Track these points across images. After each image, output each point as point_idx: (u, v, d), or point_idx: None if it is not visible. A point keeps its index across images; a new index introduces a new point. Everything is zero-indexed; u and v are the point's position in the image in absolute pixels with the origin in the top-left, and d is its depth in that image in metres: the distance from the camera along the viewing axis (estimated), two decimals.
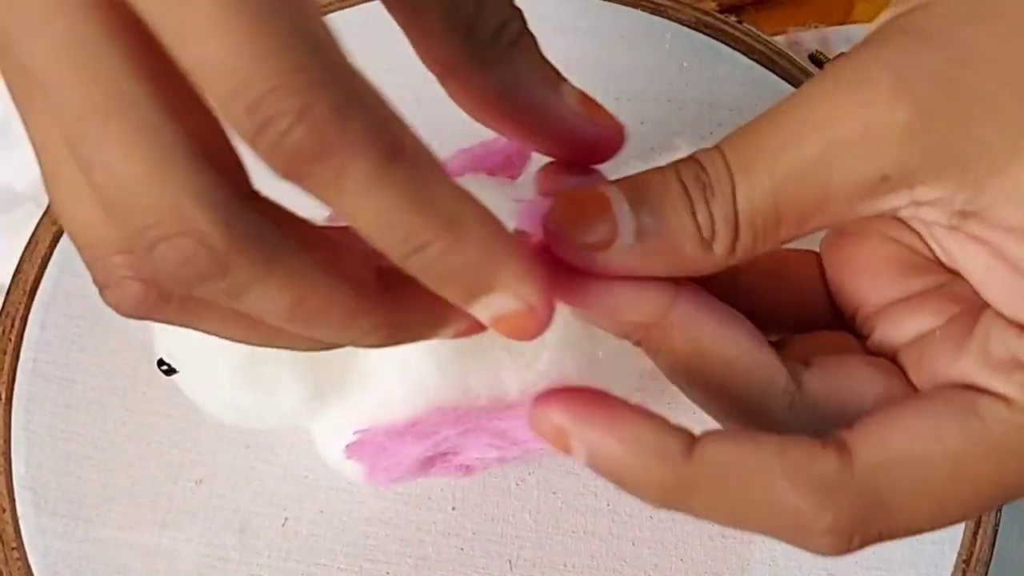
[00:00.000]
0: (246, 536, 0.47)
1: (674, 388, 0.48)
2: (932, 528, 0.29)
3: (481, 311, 0.27)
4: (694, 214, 0.29)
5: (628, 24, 0.57)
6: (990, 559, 0.46)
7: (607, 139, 0.32)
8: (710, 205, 0.29)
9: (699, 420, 0.47)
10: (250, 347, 0.37)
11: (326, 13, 0.57)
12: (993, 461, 0.28)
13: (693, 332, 0.30)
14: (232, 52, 0.22)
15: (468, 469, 0.44)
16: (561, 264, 0.30)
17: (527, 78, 0.32)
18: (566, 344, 0.40)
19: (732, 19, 0.56)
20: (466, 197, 0.25)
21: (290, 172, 0.23)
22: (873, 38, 0.29)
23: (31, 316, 0.51)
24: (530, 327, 0.27)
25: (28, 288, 0.51)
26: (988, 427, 0.28)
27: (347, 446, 0.40)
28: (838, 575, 0.46)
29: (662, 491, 0.28)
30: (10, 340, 0.50)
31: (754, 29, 0.56)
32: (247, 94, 0.22)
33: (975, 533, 0.47)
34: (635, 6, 0.57)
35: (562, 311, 0.40)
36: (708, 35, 0.56)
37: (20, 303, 0.51)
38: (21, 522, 0.47)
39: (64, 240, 0.52)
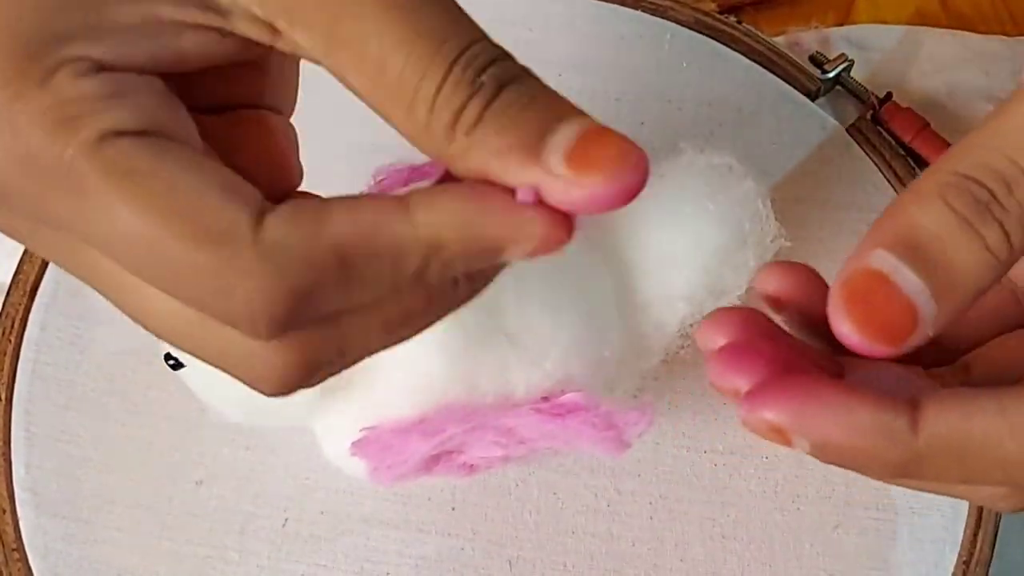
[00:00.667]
0: (246, 537, 0.47)
1: (674, 389, 0.48)
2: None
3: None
4: (986, 244, 0.26)
5: (628, 25, 0.57)
6: (990, 560, 0.46)
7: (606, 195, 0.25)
8: (1003, 223, 0.26)
9: (701, 421, 0.47)
10: None
11: None
12: None
13: None
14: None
15: (471, 468, 0.44)
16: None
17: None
18: (574, 344, 0.40)
19: (732, 20, 0.56)
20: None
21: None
22: None
23: (31, 317, 0.51)
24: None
25: (28, 289, 0.51)
26: None
27: (353, 443, 0.40)
28: (837, 574, 0.46)
29: (893, 468, 0.27)
30: (10, 341, 0.50)
31: (754, 30, 0.56)
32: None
33: (975, 534, 0.47)
34: (635, 7, 0.57)
35: (571, 314, 0.40)
36: (708, 36, 0.56)
37: (20, 304, 0.51)
38: (21, 523, 0.47)
39: None
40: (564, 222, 0.25)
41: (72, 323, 0.51)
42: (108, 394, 0.49)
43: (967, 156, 0.26)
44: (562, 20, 0.57)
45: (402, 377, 0.39)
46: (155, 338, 0.34)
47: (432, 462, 0.42)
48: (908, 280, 0.26)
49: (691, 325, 0.43)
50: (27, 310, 0.51)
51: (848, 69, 0.56)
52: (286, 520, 0.47)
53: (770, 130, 0.54)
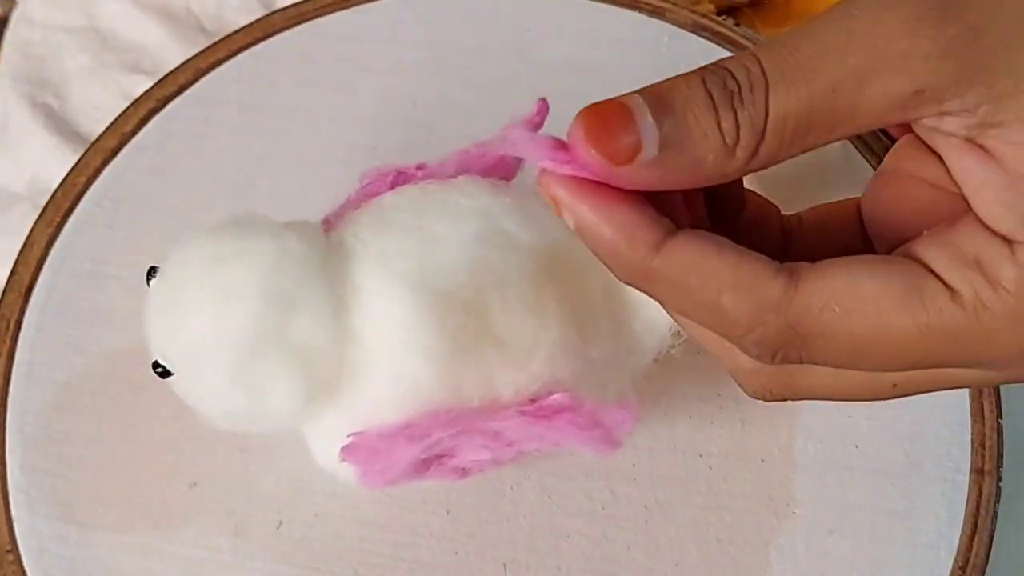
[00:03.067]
0: (240, 539, 0.47)
1: (669, 392, 0.48)
2: (844, 372, 0.33)
3: None
4: (719, 123, 0.29)
5: (625, 27, 0.57)
6: (986, 564, 0.46)
7: None
8: (737, 112, 0.29)
9: (695, 425, 0.47)
10: (244, 349, 0.37)
11: (325, 15, 0.57)
12: (916, 335, 0.30)
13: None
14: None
15: (463, 472, 0.44)
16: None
17: None
18: (560, 346, 0.40)
19: (729, 21, 0.56)
20: None
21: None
22: None
23: (26, 318, 0.51)
24: None
25: (23, 290, 0.51)
26: (925, 307, 0.30)
27: (341, 449, 0.40)
28: None
29: (628, 273, 0.31)
30: (5, 343, 0.50)
31: (750, 31, 0.56)
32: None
33: (971, 538, 0.46)
34: (632, 8, 0.57)
35: (557, 315, 0.40)
36: (705, 37, 0.56)
37: (15, 305, 0.51)
38: (15, 525, 0.47)
39: (60, 242, 0.52)
40: None
41: (67, 325, 0.51)
42: (102, 396, 0.49)
43: (736, 55, 0.30)
44: (559, 22, 0.57)
45: (388, 382, 0.39)
46: (148, 345, 0.35)
47: (423, 466, 0.42)
48: (645, 119, 0.29)
49: None
50: (22, 312, 0.51)
51: None
52: (280, 523, 0.47)
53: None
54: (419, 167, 0.44)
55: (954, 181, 0.32)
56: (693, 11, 0.56)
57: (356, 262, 0.39)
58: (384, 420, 0.39)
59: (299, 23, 0.57)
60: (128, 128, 0.54)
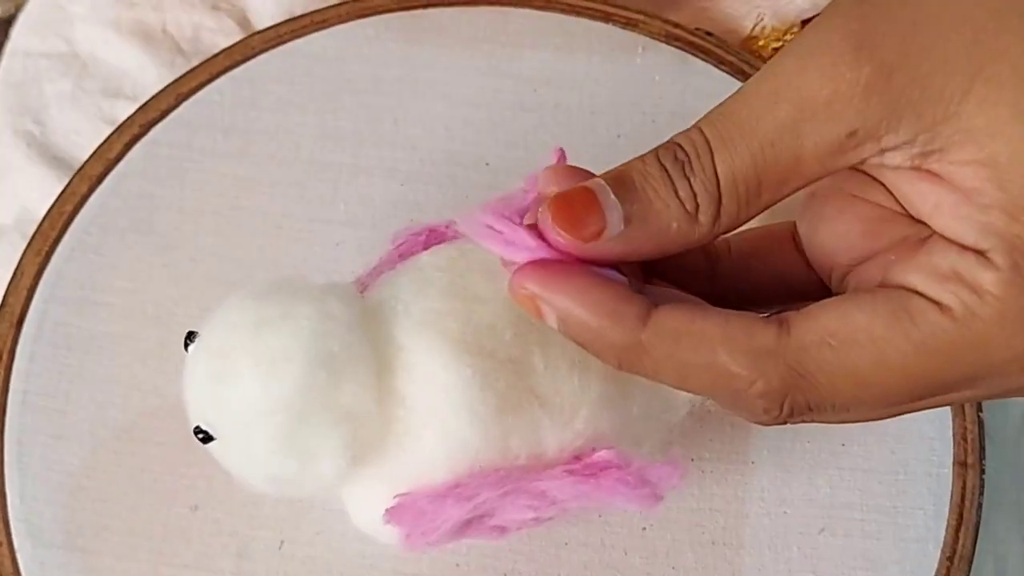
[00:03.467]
0: (244, 560, 0.47)
1: (704, 446, 0.49)
2: (855, 411, 0.33)
3: None
4: (676, 192, 0.31)
5: (600, 39, 0.57)
6: (972, 555, 0.47)
7: None
8: (691, 180, 0.31)
9: (688, 430, 0.48)
10: (293, 414, 0.37)
11: (303, 35, 0.57)
12: (914, 356, 0.31)
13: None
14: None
15: (502, 530, 0.43)
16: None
17: None
18: (602, 402, 0.40)
19: (702, 31, 0.57)
20: None
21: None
22: (829, 11, 0.32)
23: (19, 348, 0.51)
24: None
25: (15, 320, 0.51)
26: (916, 325, 0.31)
27: (387, 511, 0.40)
28: (826, 575, 0.47)
29: (617, 351, 0.32)
30: None
31: (723, 40, 0.57)
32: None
33: (957, 530, 0.48)
34: (606, 21, 0.58)
35: (599, 372, 0.40)
36: (679, 48, 0.57)
37: (7, 336, 0.51)
38: (18, 554, 0.47)
39: (49, 270, 0.52)
40: None
41: (60, 353, 0.51)
42: (99, 423, 0.50)
43: (683, 130, 0.33)
44: (534, 35, 0.58)
45: (435, 443, 0.39)
46: (187, 409, 0.39)
47: (464, 526, 0.41)
48: (608, 199, 0.32)
49: None
50: (14, 341, 0.51)
51: None
52: (282, 542, 0.48)
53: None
54: (448, 225, 0.44)
55: (903, 207, 0.34)
56: (666, 22, 0.57)
57: (397, 323, 0.39)
58: (430, 481, 0.39)
59: (278, 45, 0.57)
60: (112, 154, 0.55)
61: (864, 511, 0.48)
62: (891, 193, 0.34)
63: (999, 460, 0.51)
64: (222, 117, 0.56)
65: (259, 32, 0.57)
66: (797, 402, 0.32)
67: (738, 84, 0.56)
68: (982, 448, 0.49)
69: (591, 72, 0.57)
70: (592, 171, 0.35)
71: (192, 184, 0.54)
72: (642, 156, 0.32)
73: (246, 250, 0.53)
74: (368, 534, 0.43)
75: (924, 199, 0.32)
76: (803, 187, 0.32)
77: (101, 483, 0.49)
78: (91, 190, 0.54)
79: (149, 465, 0.49)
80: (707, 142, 0.31)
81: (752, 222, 0.34)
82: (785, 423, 0.33)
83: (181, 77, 0.56)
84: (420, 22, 0.58)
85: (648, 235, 0.32)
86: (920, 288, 0.31)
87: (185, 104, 0.56)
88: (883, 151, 0.31)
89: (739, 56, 0.56)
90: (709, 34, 0.57)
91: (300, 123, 0.56)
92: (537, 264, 0.33)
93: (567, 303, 0.32)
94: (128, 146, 0.55)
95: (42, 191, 0.56)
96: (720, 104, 0.32)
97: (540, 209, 0.32)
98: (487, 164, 0.55)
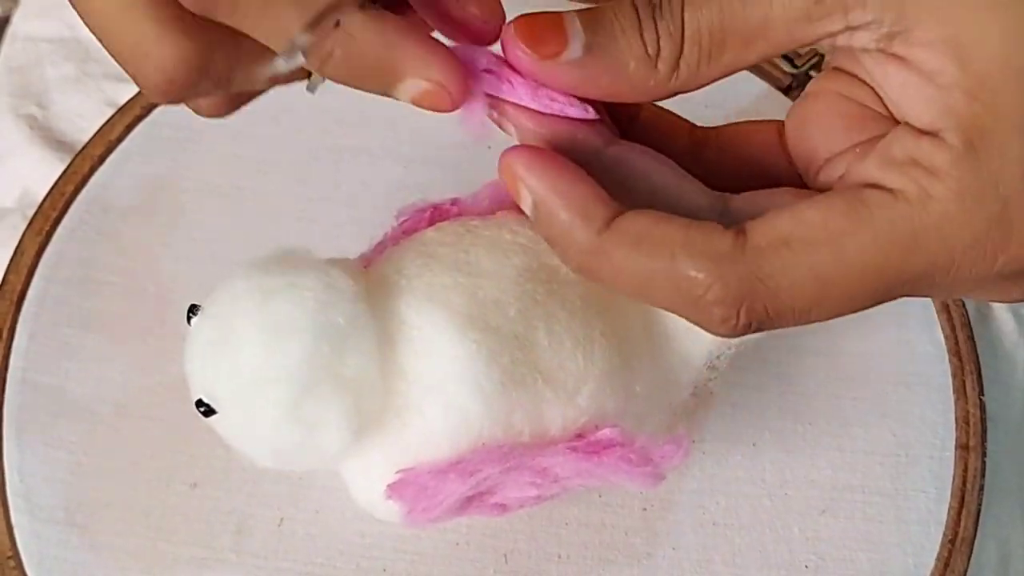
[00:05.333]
0: (242, 538, 0.47)
1: (705, 427, 0.49)
2: (816, 311, 0.32)
3: (402, 95, 0.33)
4: (641, 33, 0.32)
5: None
6: (974, 537, 0.47)
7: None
8: (657, 24, 0.32)
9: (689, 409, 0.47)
10: (299, 384, 0.37)
11: None
12: (873, 247, 0.31)
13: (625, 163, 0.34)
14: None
15: (504, 508, 0.43)
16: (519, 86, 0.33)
17: None
18: (606, 379, 0.40)
19: None
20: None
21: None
22: None
23: (19, 326, 0.51)
24: (443, 102, 0.33)
25: (15, 298, 0.51)
26: (873, 215, 0.31)
27: (389, 486, 0.39)
28: (827, 557, 0.47)
29: (580, 251, 0.32)
30: None
31: None
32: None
33: (959, 513, 0.48)
34: None
35: (603, 349, 0.40)
36: None
37: (7, 313, 0.51)
38: (16, 531, 0.47)
39: (50, 249, 0.52)
40: None
41: (60, 331, 0.51)
42: (98, 400, 0.50)
43: None
44: None
45: (438, 417, 0.39)
46: (189, 381, 0.38)
47: (466, 503, 0.41)
48: (573, 25, 0.32)
49: (718, 358, 0.43)
50: (14, 319, 0.51)
51: (819, 64, 0.57)
52: (281, 520, 0.47)
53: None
54: (453, 202, 0.44)
55: (879, 98, 0.33)
56: None
57: (402, 298, 0.39)
58: (432, 456, 0.39)
59: None
60: (114, 135, 0.55)
61: (866, 493, 0.48)
62: (877, 94, 0.34)
63: (1001, 444, 0.51)
64: None
65: None
66: (755, 309, 0.31)
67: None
68: (984, 431, 0.49)
69: None
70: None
71: (193, 165, 0.54)
72: None
73: (246, 230, 0.53)
74: (368, 511, 0.43)
75: (891, 84, 0.32)
76: (769, 56, 0.32)
77: (100, 460, 0.48)
78: (92, 170, 0.54)
79: (148, 442, 0.49)
80: None
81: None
82: (743, 334, 0.32)
83: None
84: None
85: (605, 67, 0.32)
86: (876, 179, 0.31)
87: None
88: (851, 28, 0.31)
89: None
90: None
91: (302, 105, 0.56)
92: (531, 149, 0.33)
93: (544, 190, 0.32)
94: (129, 127, 0.55)
95: (44, 174, 0.56)
96: None
97: (506, 26, 0.33)
98: (489, 147, 0.54)
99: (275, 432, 0.38)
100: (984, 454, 0.48)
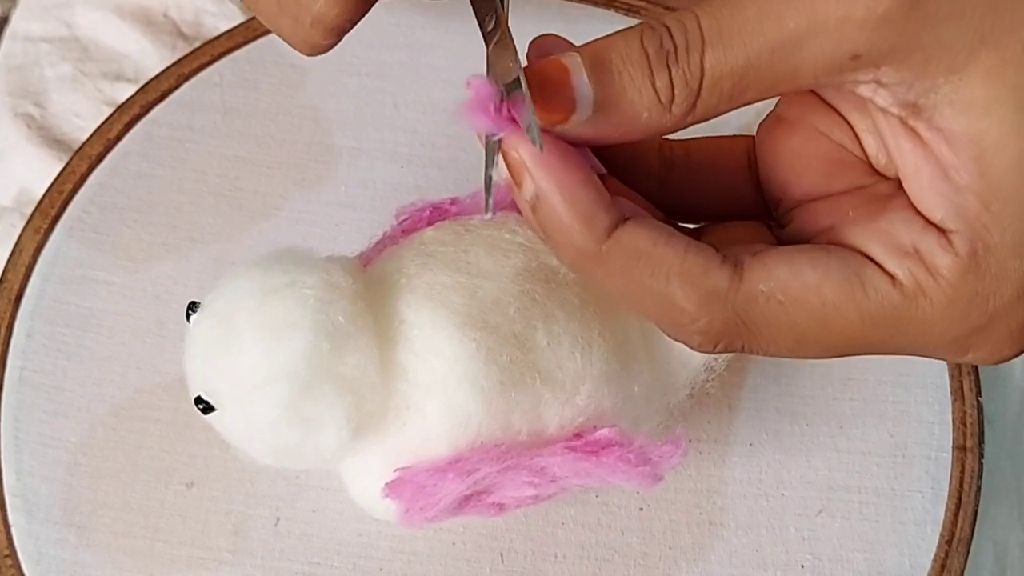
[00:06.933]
0: (239, 538, 0.47)
1: (703, 428, 0.49)
2: (788, 355, 0.33)
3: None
4: (653, 82, 0.30)
5: (601, 24, 0.57)
6: (971, 539, 0.47)
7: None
8: (671, 72, 0.30)
9: (686, 411, 0.47)
10: (298, 381, 0.37)
11: None
12: (858, 324, 0.31)
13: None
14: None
15: (501, 508, 0.43)
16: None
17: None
18: (604, 379, 0.40)
19: None
20: None
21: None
22: None
23: (16, 325, 0.51)
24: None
25: (13, 297, 0.51)
26: (867, 295, 0.31)
27: (387, 485, 0.39)
28: (823, 557, 0.47)
29: (576, 253, 0.32)
30: None
31: None
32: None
33: (956, 514, 0.48)
34: (608, 7, 0.58)
35: (601, 349, 0.40)
36: None
37: (5, 312, 0.51)
38: (13, 530, 0.47)
39: (48, 248, 0.52)
40: None
41: (58, 330, 0.51)
42: (96, 400, 0.50)
43: (676, 12, 0.31)
44: (536, 20, 0.58)
45: (437, 416, 0.39)
46: (187, 378, 0.38)
47: (463, 503, 0.41)
48: (580, 79, 0.30)
49: (715, 360, 0.44)
50: (12, 318, 0.51)
51: None
52: (278, 520, 0.47)
53: (741, 124, 0.55)
54: (452, 202, 0.44)
55: (858, 142, 0.34)
56: (668, 9, 0.57)
57: (401, 296, 0.39)
58: (430, 455, 0.39)
59: None
60: (113, 134, 0.55)
61: (862, 493, 0.48)
62: (857, 137, 0.34)
63: (998, 445, 0.51)
64: (222, 98, 0.56)
65: None
66: (733, 344, 0.32)
67: None
68: (981, 432, 0.49)
69: None
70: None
71: (191, 164, 0.54)
72: (626, 34, 0.31)
73: (245, 230, 0.53)
74: (365, 510, 0.43)
75: (904, 159, 0.32)
76: (793, 92, 0.32)
77: (97, 460, 0.48)
78: (91, 169, 0.54)
79: (146, 442, 0.49)
80: (701, 34, 0.30)
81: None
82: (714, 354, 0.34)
83: (182, 58, 0.57)
84: (422, 7, 0.58)
85: (617, 124, 0.31)
86: (877, 257, 0.31)
87: (186, 85, 0.56)
88: (878, 84, 0.30)
89: None
90: None
91: (300, 105, 0.56)
92: (542, 135, 0.31)
93: (551, 187, 0.31)
94: (128, 126, 0.55)
95: (42, 173, 0.56)
96: None
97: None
98: None
99: (274, 430, 0.38)
100: (981, 455, 0.48)
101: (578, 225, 0.31)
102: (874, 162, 0.34)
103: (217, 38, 0.57)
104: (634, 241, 0.31)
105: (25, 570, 0.47)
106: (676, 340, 0.33)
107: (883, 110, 0.31)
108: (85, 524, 0.47)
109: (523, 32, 0.56)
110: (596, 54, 0.31)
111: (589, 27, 0.57)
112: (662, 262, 0.31)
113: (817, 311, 0.31)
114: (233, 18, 0.60)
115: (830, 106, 0.34)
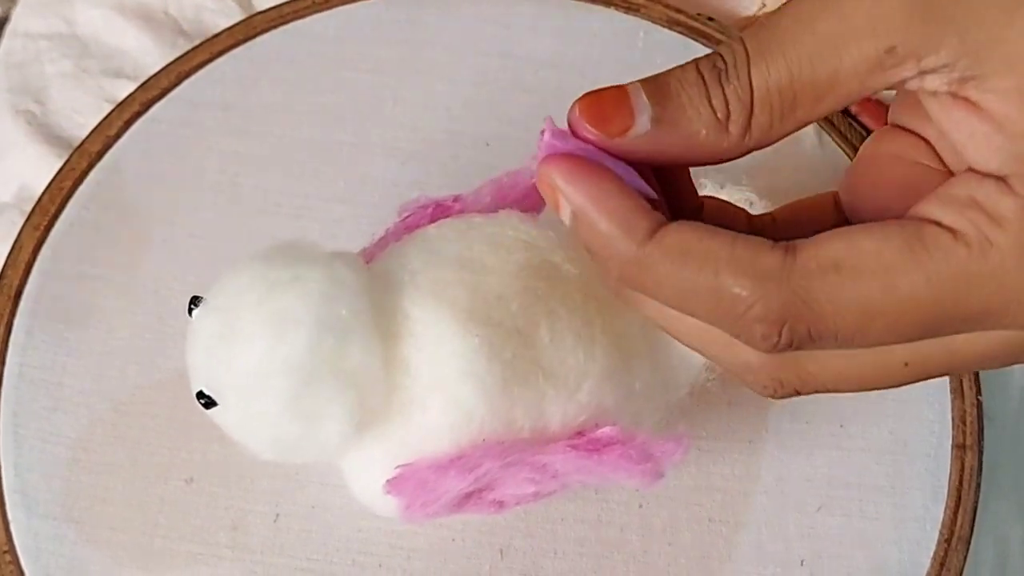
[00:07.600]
0: (238, 533, 0.47)
1: (701, 425, 0.49)
2: (859, 339, 0.31)
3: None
4: (709, 99, 0.31)
5: (601, 23, 0.58)
6: (970, 536, 0.47)
7: None
8: (724, 88, 0.31)
9: (686, 409, 0.47)
10: (301, 376, 0.37)
11: (305, 16, 0.57)
12: (926, 287, 0.30)
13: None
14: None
15: (501, 505, 0.43)
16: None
17: None
18: (606, 376, 0.40)
19: (703, 17, 0.57)
20: None
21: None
22: None
23: (16, 321, 0.51)
24: None
25: (12, 293, 0.51)
26: (928, 251, 0.30)
27: (388, 481, 0.39)
28: (823, 554, 0.47)
29: (621, 263, 0.32)
30: None
31: (726, 26, 0.57)
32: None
33: (955, 511, 0.48)
34: (608, 5, 0.58)
35: (604, 346, 0.40)
36: (681, 33, 0.57)
37: (5, 309, 0.51)
38: (12, 526, 0.47)
39: (48, 245, 0.52)
40: None
41: (57, 327, 0.51)
42: (95, 396, 0.49)
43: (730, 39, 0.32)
44: (536, 18, 0.58)
45: (440, 412, 0.39)
46: (188, 373, 0.38)
47: (463, 500, 0.41)
48: (639, 99, 0.31)
49: None
50: (12, 314, 0.51)
51: None
52: (278, 515, 0.47)
53: None
54: (456, 199, 0.44)
55: (936, 154, 0.33)
56: (667, 6, 0.57)
57: (405, 292, 0.39)
58: (432, 451, 0.39)
59: (280, 25, 0.57)
60: (112, 131, 0.55)
61: (862, 491, 0.48)
62: (934, 149, 0.33)
63: (998, 443, 0.51)
64: (222, 95, 0.56)
65: (261, 12, 0.58)
66: (797, 331, 0.31)
67: None
68: (981, 430, 0.49)
69: (592, 56, 0.57)
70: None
71: (191, 161, 0.54)
72: (682, 64, 0.32)
73: (245, 227, 0.53)
74: (366, 506, 0.43)
75: (959, 128, 0.31)
76: (841, 107, 0.32)
77: (97, 455, 0.48)
78: (90, 166, 0.54)
79: (145, 438, 0.49)
80: (746, 52, 0.31)
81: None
82: (784, 351, 0.32)
83: (183, 56, 0.56)
84: (422, 3, 0.58)
85: (676, 138, 0.31)
86: (936, 216, 0.30)
87: (186, 82, 0.56)
88: (923, 73, 0.30)
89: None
90: (711, 19, 0.57)
91: (300, 101, 0.56)
92: (568, 157, 0.32)
93: (584, 202, 0.31)
94: (128, 123, 0.55)
95: (42, 170, 0.56)
96: (767, 17, 0.32)
97: (571, 106, 0.32)
98: (487, 144, 0.55)
99: (276, 424, 0.38)
100: (981, 453, 0.48)
101: (617, 231, 0.31)
102: (949, 144, 0.33)
103: (217, 35, 0.57)
104: (678, 239, 0.31)
105: (24, 566, 0.47)
106: (739, 339, 0.32)
107: (933, 93, 0.31)
108: (84, 520, 0.47)
109: (521, 28, 0.57)
110: (654, 80, 0.32)
111: (588, 25, 0.57)
112: (709, 255, 0.31)
113: (879, 277, 0.30)
114: (233, 15, 0.60)
115: (904, 129, 0.34)
